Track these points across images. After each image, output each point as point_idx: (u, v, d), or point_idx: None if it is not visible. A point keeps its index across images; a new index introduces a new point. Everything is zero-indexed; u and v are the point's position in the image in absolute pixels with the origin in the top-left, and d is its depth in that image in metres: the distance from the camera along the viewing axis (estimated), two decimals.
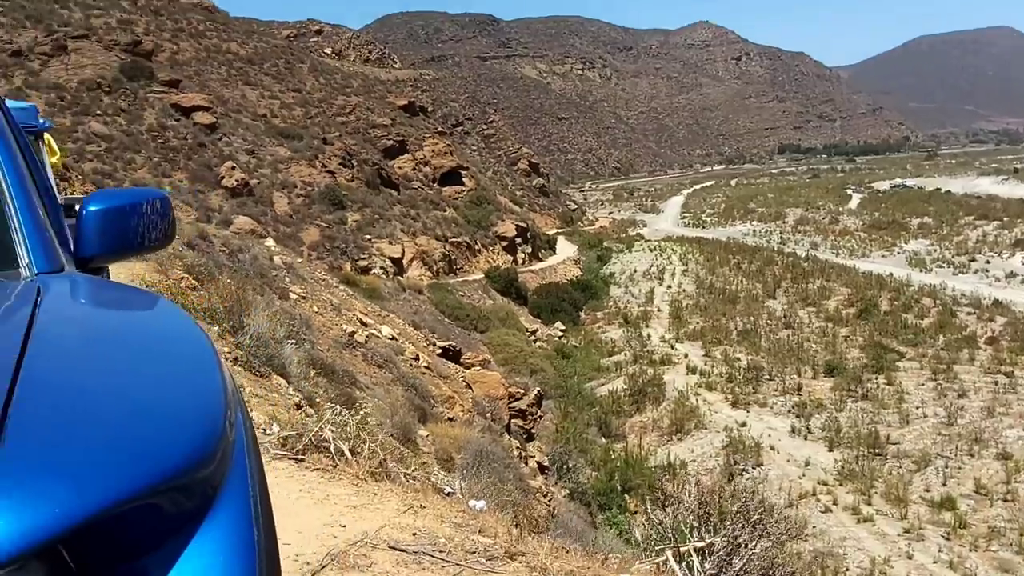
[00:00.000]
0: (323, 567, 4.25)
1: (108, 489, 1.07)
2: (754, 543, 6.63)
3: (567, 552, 4.98)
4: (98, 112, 43.64)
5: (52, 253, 1.90)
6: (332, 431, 5.84)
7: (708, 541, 7.13)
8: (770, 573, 6.71)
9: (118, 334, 1.57)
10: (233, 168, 43.84)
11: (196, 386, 1.40)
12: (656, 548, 6.99)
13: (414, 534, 4.70)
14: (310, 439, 5.70)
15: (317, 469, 5.52)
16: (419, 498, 5.34)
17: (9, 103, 6.27)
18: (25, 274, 1.82)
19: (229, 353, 10.50)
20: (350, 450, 5.84)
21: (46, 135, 6.26)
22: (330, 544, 4.45)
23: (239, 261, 20.57)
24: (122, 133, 42.95)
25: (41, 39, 47.35)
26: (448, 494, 6.20)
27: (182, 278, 12.14)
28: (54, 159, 6.32)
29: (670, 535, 7.24)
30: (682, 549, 7.13)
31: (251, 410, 9.10)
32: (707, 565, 6.86)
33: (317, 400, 12.53)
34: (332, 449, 5.70)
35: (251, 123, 52.44)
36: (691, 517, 7.31)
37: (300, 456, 5.61)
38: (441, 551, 4.56)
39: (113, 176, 36.18)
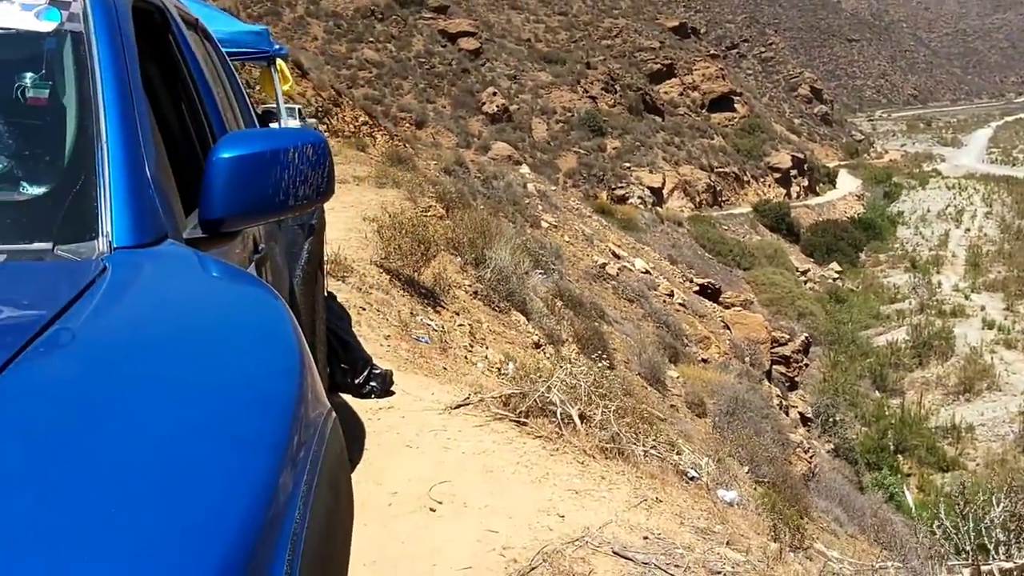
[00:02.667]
0: (532, 569, 3.49)
1: None
2: None
3: None
4: (371, 39, 45.69)
5: (146, 219, 1.42)
6: (560, 394, 5.04)
7: (1021, 563, 5.62)
8: None
9: (149, 373, 0.98)
10: (494, 94, 44.47)
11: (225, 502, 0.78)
12: (948, 563, 5.63)
13: (645, 538, 3.80)
14: (535, 400, 4.94)
15: (540, 437, 4.76)
16: (655, 486, 4.42)
17: (241, 25, 5.85)
18: (101, 249, 1.36)
19: (470, 286, 10.13)
20: (580, 416, 5.02)
21: (279, 61, 5.85)
22: (543, 538, 3.67)
23: (493, 188, 20.89)
24: (391, 59, 44.85)
25: None
26: (691, 479, 5.23)
27: (430, 207, 11.93)
28: (285, 87, 5.93)
29: (968, 548, 5.81)
30: (983, 568, 5.68)
31: (486, 347, 8.63)
32: None
33: (560, 337, 11.96)
34: (559, 414, 4.91)
35: (514, 48, 52.71)
36: (997, 529, 5.83)
37: (523, 419, 4.88)
38: (677, 565, 3.63)
39: (381, 101, 37.87)
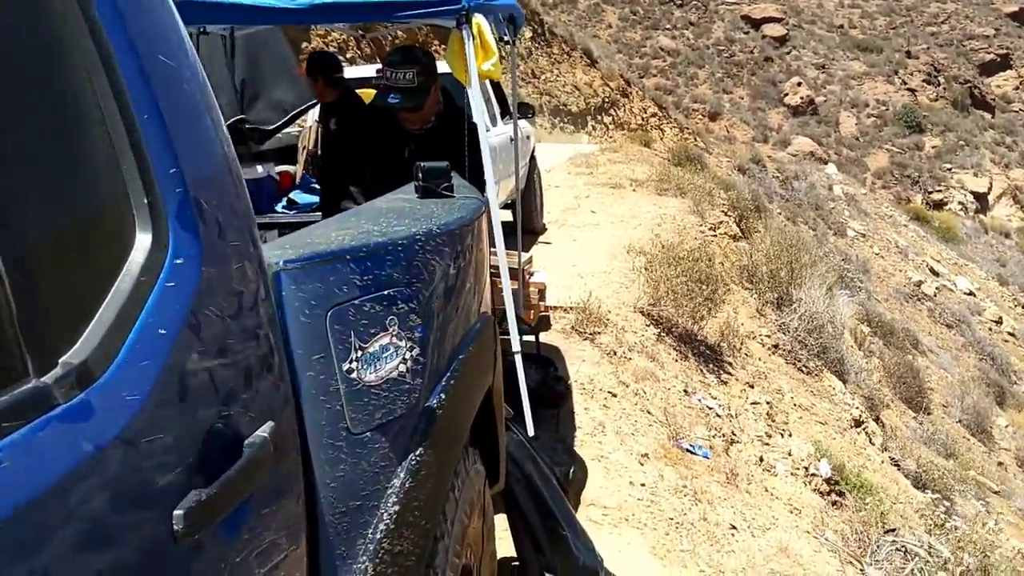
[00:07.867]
0: None
1: None
2: None
3: None
4: (667, 26, 44.88)
5: None
6: None
7: None
8: None
9: None
10: (799, 84, 42.47)
11: None
12: None
13: None
14: None
15: None
16: None
17: None
18: None
19: (768, 337, 7.66)
20: None
21: (477, 21, 3.21)
22: None
23: (793, 190, 18.91)
24: (688, 47, 43.60)
25: None
26: None
27: (720, 223, 9.50)
28: (485, 64, 3.23)
29: None
30: None
31: (788, 435, 6.23)
32: None
33: (882, 403, 9.17)
34: None
35: (824, 35, 49.68)
36: None
37: None
38: None
39: (674, 92, 36.43)
